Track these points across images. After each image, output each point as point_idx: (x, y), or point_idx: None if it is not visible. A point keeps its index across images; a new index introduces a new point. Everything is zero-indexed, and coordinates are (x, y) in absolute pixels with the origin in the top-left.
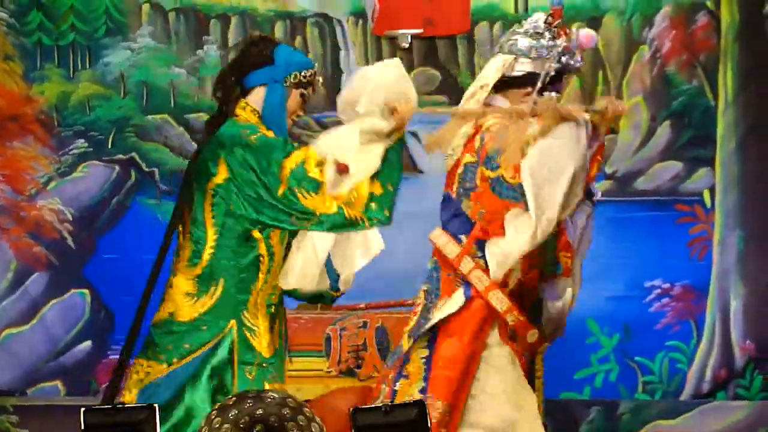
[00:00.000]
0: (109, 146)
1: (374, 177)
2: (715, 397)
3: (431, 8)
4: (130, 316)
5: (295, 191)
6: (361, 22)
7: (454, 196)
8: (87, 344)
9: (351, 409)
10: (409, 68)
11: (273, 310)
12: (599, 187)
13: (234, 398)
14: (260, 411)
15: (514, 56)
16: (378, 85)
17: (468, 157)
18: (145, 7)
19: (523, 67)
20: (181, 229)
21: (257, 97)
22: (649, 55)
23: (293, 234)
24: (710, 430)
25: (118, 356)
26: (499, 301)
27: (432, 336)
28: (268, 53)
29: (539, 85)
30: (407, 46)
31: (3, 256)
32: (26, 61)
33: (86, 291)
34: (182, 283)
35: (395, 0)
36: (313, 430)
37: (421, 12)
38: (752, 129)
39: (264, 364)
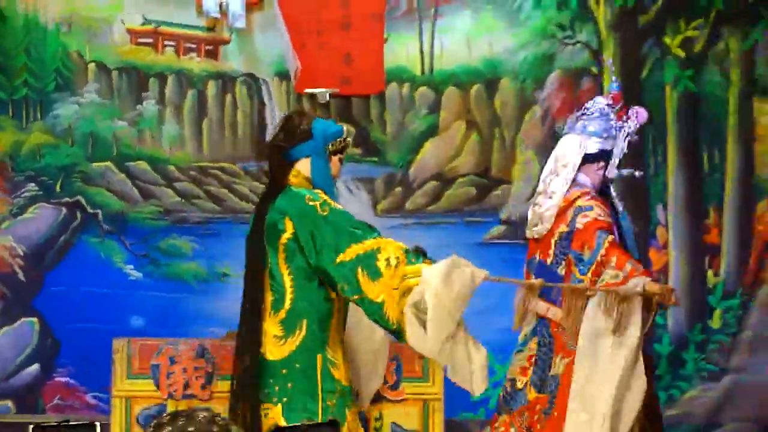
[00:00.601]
0: (58, 190)
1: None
2: None
3: (348, 69)
4: (75, 343)
5: (356, 269)
6: (284, 81)
7: (549, 262)
8: (35, 367)
9: (269, 427)
10: None
11: (344, 343)
12: (495, 231)
13: (168, 416)
14: (191, 428)
15: (588, 137)
16: None
17: (562, 227)
18: (91, 66)
19: (597, 145)
20: (260, 283)
21: (304, 167)
22: (540, 114)
23: None
24: None
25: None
26: None
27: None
28: (308, 128)
29: (615, 161)
30: (325, 102)
31: None
32: None
33: (35, 320)
34: (271, 328)
35: (316, 61)
36: None
37: (339, 72)
38: (629, 181)
39: (344, 392)
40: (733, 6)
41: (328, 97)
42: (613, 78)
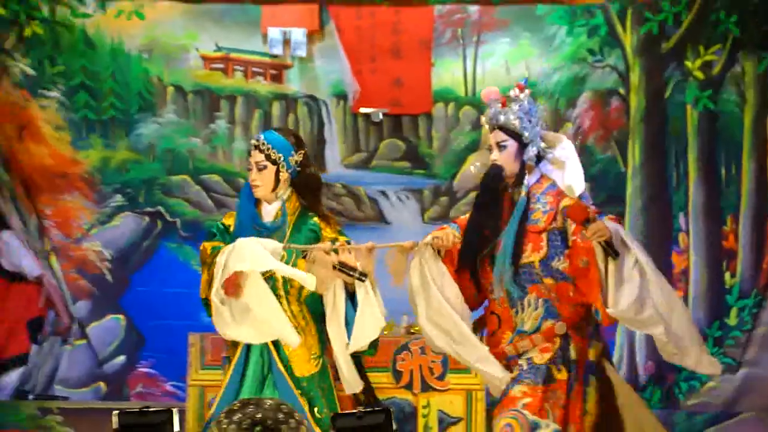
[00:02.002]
0: (141, 200)
1: None
2: None
3: (398, 91)
4: (156, 337)
5: None
6: (341, 102)
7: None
8: (121, 359)
9: (332, 414)
10: (379, 139)
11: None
12: None
13: (238, 404)
14: (259, 415)
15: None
16: None
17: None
18: (170, 89)
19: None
20: None
21: None
22: (572, 130)
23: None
24: None
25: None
26: None
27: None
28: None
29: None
30: (378, 120)
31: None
32: (74, 132)
33: (121, 316)
34: None
35: (370, 84)
36: (302, 430)
37: (390, 94)
38: (655, 191)
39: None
40: (748, 33)
41: (381, 117)
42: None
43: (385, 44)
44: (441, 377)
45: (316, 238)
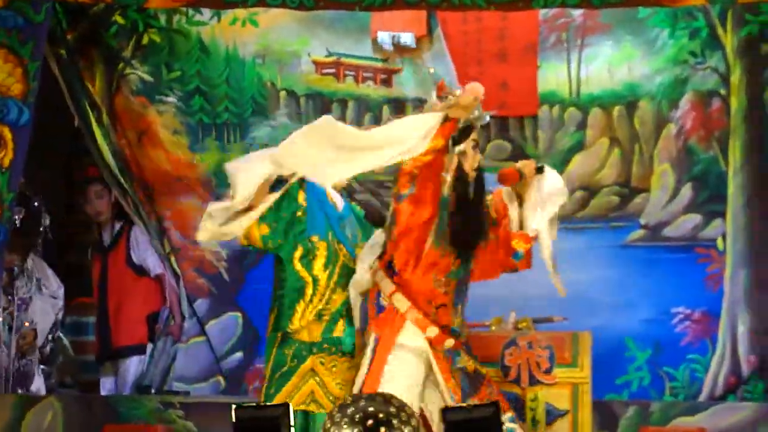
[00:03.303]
0: None
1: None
2: (726, 399)
3: (505, 94)
4: None
5: None
6: None
7: None
8: (239, 355)
9: (441, 407)
10: (487, 140)
11: (324, 317)
12: (635, 234)
13: (351, 399)
14: (372, 408)
15: None
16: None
17: None
18: (282, 93)
19: None
20: None
21: None
22: (675, 131)
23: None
24: (722, 426)
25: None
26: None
27: None
28: None
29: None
30: (485, 123)
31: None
32: (190, 136)
33: (239, 314)
34: None
35: None
36: (413, 423)
37: (497, 97)
38: (756, 190)
39: (305, 345)
40: None
41: (488, 119)
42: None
43: (492, 48)
44: (548, 371)
45: None
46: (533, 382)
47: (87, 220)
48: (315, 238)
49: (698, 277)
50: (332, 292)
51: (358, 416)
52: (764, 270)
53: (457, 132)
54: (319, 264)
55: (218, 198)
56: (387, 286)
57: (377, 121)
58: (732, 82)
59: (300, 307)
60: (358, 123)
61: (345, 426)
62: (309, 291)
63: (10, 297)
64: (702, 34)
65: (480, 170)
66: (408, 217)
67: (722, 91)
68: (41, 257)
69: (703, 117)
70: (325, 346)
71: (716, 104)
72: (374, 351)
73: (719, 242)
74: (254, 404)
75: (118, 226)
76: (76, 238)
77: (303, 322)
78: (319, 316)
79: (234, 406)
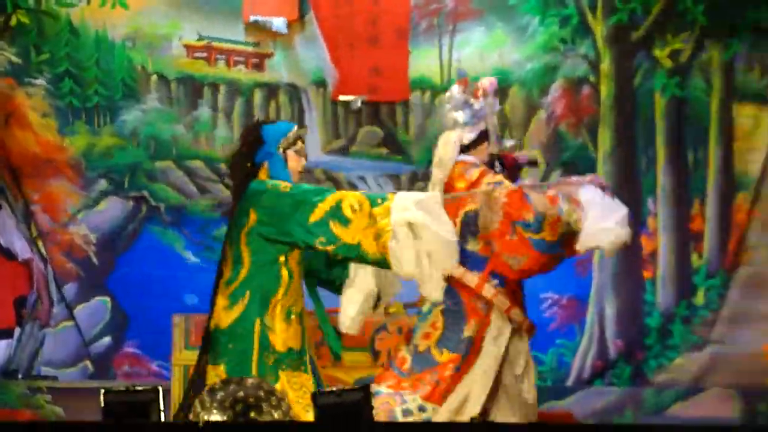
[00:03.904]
0: (126, 186)
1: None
2: (593, 384)
3: (377, 79)
4: (141, 318)
5: (328, 222)
6: (321, 90)
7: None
8: (107, 339)
9: (312, 392)
10: (358, 126)
11: (293, 317)
12: None
13: (221, 383)
14: (241, 393)
15: (462, 129)
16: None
17: (469, 207)
18: (153, 77)
19: (472, 133)
20: (225, 261)
21: (264, 170)
22: (545, 117)
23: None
24: (590, 409)
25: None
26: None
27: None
28: (258, 135)
29: (493, 137)
30: (357, 108)
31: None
32: (60, 119)
33: (107, 298)
34: (221, 301)
35: (349, 72)
36: (282, 408)
37: (369, 82)
38: (624, 176)
39: (279, 356)
40: (715, 21)
41: (359, 104)
42: (459, 70)
43: (364, 33)
44: None
45: None
46: None
47: None
48: None
49: (567, 263)
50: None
51: (228, 401)
52: (631, 256)
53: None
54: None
55: (87, 182)
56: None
57: (249, 105)
58: (602, 69)
59: (274, 300)
60: (229, 107)
61: (215, 411)
62: (282, 289)
63: None
64: (572, 21)
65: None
66: None
67: (592, 78)
68: None
69: (572, 104)
70: (288, 360)
71: (586, 91)
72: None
73: None
74: (123, 388)
75: None
76: None
77: (276, 318)
78: (288, 314)
79: (103, 391)
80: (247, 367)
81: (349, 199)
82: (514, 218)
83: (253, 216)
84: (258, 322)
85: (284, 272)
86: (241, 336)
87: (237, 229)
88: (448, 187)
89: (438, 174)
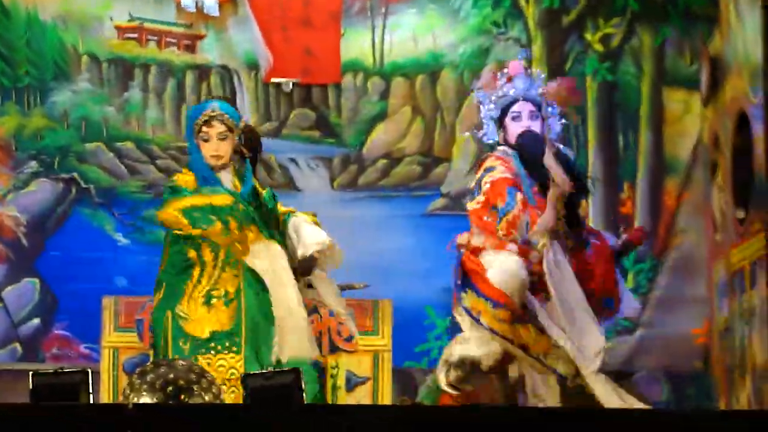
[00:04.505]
0: (56, 167)
1: None
2: None
3: (309, 61)
4: (70, 300)
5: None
6: (253, 72)
7: None
8: (36, 321)
9: (242, 374)
10: (290, 108)
11: (215, 301)
12: (437, 203)
13: (151, 364)
14: (171, 375)
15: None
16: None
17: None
18: (84, 57)
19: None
20: None
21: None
22: (476, 101)
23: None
24: None
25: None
26: None
27: None
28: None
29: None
30: (289, 90)
31: None
32: None
33: (36, 280)
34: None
35: (281, 54)
36: (213, 390)
37: (301, 64)
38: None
39: (196, 342)
40: (646, 7)
41: (291, 86)
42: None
43: (296, 15)
44: (349, 339)
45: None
46: (334, 349)
47: None
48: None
49: None
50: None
51: (158, 383)
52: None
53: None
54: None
55: (17, 163)
56: None
57: (181, 87)
58: (533, 52)
59: (188, 288)
60: (161, 88)
61: (145, 393)
62: (195, 277)
63: None
64: (504, 4)
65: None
66: None
67: (524, 63)
68: None
69: None
70: (212, 344)
71: None
72: None
73: None
74: (52, 371)
75: None
76: None
77: (192, 305)
78: (208, 298)
79: (32, 373)
80: (165, 356)
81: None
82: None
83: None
84: (169, 314)
85: (196, 259)
86: (157, 327)
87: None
88: None
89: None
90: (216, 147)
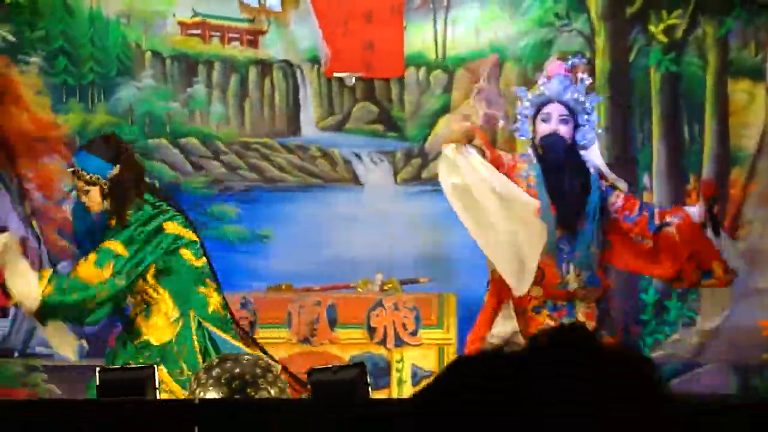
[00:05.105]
0: None
1: None
2: None
3: (371, 55)
4: None
5: None
6: (315, 67)
7: None
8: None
9: (308, 369)
10: (353, 102)
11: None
12: None
13: (217, 359)
14: (237, 370)
15: None
16: None
17: None
18: (148, 54)
19: None
20: None
21: None
22: (516, 94)
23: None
24: None
25: None
26: None
27: None
28: None
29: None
30: (351, 84)
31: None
32: (54, 96)
33: None
34: None
35: (343, 48)
36: (279, 384)
37: (363, 58)
38: (621, 150)
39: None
40: None
41: (353, 81)
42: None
43: (358, 9)
44: (414, 333)
45: None
46: (399, 343)
47: None
48: None
49: None
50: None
51: (224, 377)
52: None
53: None
54: None
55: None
56: None
57: (244, 82)
58: (597, 44)
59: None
60: (224, 84)
61: (211, 387)
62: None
63: None
64: None
65: None
66: None
67: (587, 54)
68: None
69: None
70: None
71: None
72: None
73: None
74: (119, 366)
75: None
76: None
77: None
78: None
79: (99, 369)
80: None
81: None
82: None
83: None
84: None
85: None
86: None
87: None
88: None
89: None
90: (84, 199)
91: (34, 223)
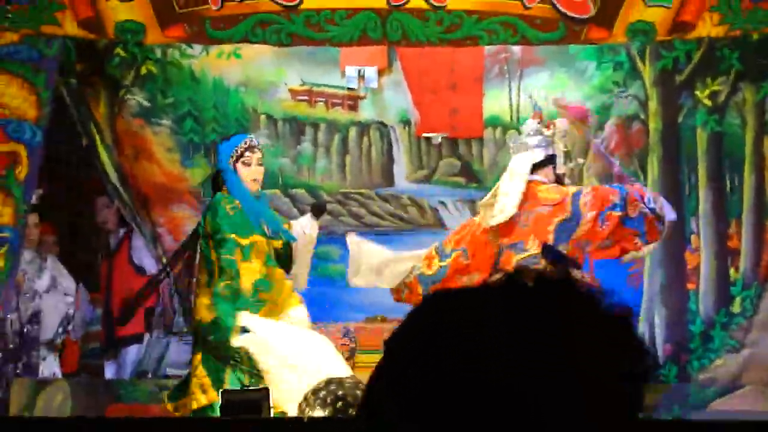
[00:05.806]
0: None
1: None
2: None
3: (455, 118)
4: None
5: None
6: (407, 127)
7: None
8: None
9: (222, 390)
10: (439, 158)
11: None
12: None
13: (323, 383)
14: (341, 392)
15: (533, 150)
16: None
17: (561, 216)
18: (262, 117)
19: (541, 154)
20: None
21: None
22: (602, 150)
23: None
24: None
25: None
26: None
27: None
28: (216, 158)
29: (559, 160)
30: (438, 143)
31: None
32: (182, 153)
33: None
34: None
35: (431, 112)
36: None
37: (448, 121)
38: (670, 198)
39: None
40: (748, 66)
41: (440, 140)
42: (534, 104)
43: (444, 79)
44: None
45: None
46: None
47: (96, 227)
48: None
49: (621, 276)
50: None
51: (329, 398)
52: (677, 270)
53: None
54: None
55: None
56: None
57: (345, 141)
58: (650, 107)
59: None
60: (328, 143)
61: (318, 407)
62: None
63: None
64: (624, 66)
65: None
66: None
67: (642, 116)
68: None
69: (625, 138)
70: None
71: (636, 127)
72: None
73: None
74: (239, 388)
75: (121, 232)
76: (89, 243)
77: None
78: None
79: (221, 390)
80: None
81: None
82: (603, 207)
83: (206, 224)
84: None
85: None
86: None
87: (202, 236)
88: (528, 206)
89: (514, 186)
90: (256, 172)
91: (164, 261)
